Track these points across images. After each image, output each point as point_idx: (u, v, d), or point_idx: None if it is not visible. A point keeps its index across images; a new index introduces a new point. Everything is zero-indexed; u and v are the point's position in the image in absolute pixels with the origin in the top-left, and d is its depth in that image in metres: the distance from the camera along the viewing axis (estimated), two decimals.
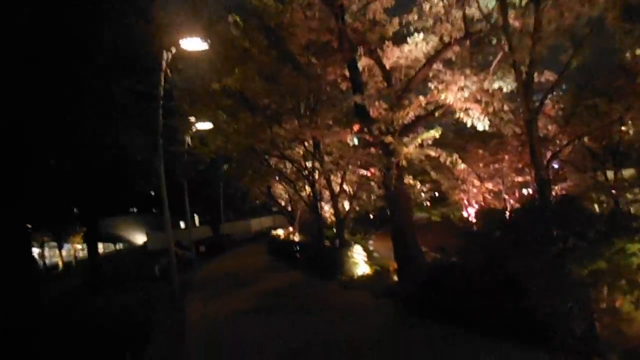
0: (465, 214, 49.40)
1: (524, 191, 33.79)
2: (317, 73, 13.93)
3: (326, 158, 15.13)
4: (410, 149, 10.32)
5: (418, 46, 13.44)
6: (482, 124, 10.44)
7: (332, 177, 16.05)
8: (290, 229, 34.19)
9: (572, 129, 10.23)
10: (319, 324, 8.19)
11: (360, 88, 12.02)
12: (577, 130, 9.19)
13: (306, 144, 16.58)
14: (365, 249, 13.44)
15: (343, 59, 12.56)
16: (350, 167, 12.94)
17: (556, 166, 27.79)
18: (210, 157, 17.87)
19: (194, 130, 21.33)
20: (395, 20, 13.21)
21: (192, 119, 16.17)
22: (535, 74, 8.63)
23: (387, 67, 14.07)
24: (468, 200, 48.64)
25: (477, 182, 41.58)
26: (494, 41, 11.40)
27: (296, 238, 27.69)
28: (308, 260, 15.27)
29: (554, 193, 28.31)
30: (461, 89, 9.85)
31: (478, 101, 9.91)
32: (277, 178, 29.25)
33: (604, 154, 23.61)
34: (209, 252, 31.00)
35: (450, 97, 9.78)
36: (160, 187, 14.36)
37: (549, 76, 10.19)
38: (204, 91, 14.08)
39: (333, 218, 31.24)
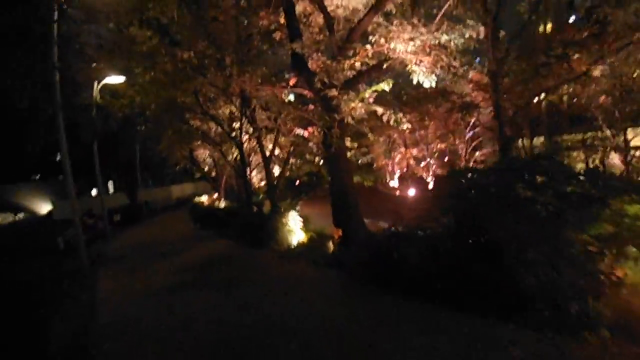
0: (390, 181, 50.54)
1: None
2: (247, 19, 12.30)
3: (258, 117, 13.70)
4: (356, 103, 9.31)
5: None
6: (429, 81, 9.66)
7: (263, 139, 14.71)
8: (215, 195, 32.39)
9: (536, 84, 9.69)
10: (258, 300, 7.10)
11: (298, 35, 10.69)
12: (542, 85, 8.70)
13: (234, 100, 14.95)
14: (302, 215, 12.42)
15: (278, 1, 11.08)
16: (285, 127, 11.70)
17: (470, 134, 28.88)
18: (123, 113, 15.47)
19: (101, 81, 18.77)
20: None
21: (101, 65, 13.76)
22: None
23: (320, 20, 12.87)
24: (392, 167, 49.71)
25: (402, 148, 42.34)
26: None
27: (222, 205, 26.11)
28: (238, 228, 13.98)
29: (472, 160, 29.52)
30: (411, 39, 8.97)
31: (428, 54, 9.10)
32: (200, 141, 27.20)
33: (522, 122, 24.83)
34: (125, 221, 28.33)
35: (400, 46, 8.84)
36: (60, 145, 12.10)
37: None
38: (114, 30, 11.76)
39: (260, 184, 29.95)
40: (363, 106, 9.42)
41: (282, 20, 12.67)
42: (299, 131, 11.93)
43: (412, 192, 39.98)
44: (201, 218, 21.22)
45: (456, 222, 4.94)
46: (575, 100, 10.86)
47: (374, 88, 9.87)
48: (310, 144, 12.68)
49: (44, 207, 43.67)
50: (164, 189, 46.01)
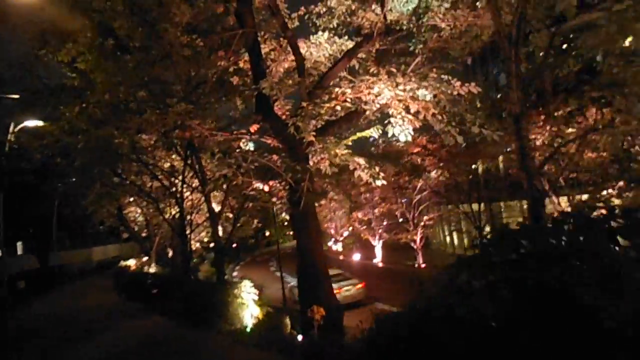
0: (332, 244, 48.67)
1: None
2: (202, 57, 10.85)
3: (207, 168, 11.88)
4: (341, 150, 7.90)
5: (322, 46, 11.53)
6: (405, 135, 8.54)
7: (212, 194, 12.82)
8: (145, 259, 28.83)
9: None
10: None
11: (264, 76, 9.34)
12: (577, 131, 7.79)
13: (178, 148, 13.10)
14: (256, 286, 10.38)
15: (243, 41, 9.78)
16: (242, 179, 10.04)
17: (418, 197, 28.67)
18: (42, 158, 12.98)
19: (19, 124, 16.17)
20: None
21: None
22: None
23: (287, 64, 11.82)
24: (335, 229, 48.06)
25: (345, 209, 41.13)
26: (420, 41, 9.96)
27: (152, 270, 22.96)
28: (176, 302, 11.49)
29: (421, 224, 28.97)
30: (398, 84, 7.92)
31: (417, 101, 8.06)
32: (131, 197, 24.34)
33: (469, 187, 24.88)
34: (32, 289, 23.86)
35: (388, 92, 7.72)
36: None
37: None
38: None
39: (197, 245, 27.04)
40: (345, 155, 8.02)
41: (241, 64, 11.40)
42: (257, 185, 10.25)
43: (357, 256, 38.73)
44: (128, 287, 18.12)
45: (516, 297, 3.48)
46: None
47: (359, 135, 8.58)
48: (274, 199, 10.96)
49: None
50: (83, 251, 40.85)
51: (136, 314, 12.94)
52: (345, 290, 15.47)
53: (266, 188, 10.04)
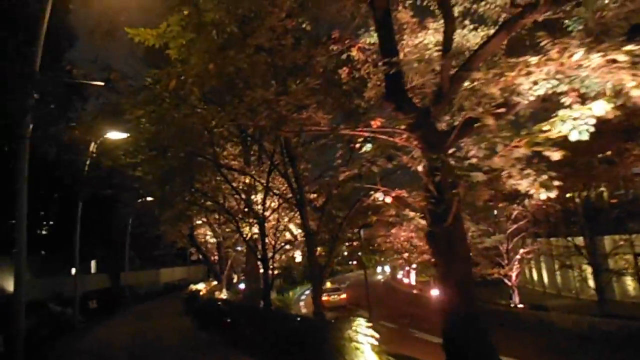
0: (404, 276, 44.93)
1: None
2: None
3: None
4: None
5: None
6: (581, 133, 5.90)
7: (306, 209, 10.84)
8: (214, 283, 27.39)
9: None
10: None
11: (396, 53, 7.27)
12: None
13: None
14: (374, 327, 7.99)
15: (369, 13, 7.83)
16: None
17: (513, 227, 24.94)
18: (123, 167, 11.84)
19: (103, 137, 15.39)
20: None
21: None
22: None
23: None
24: (408, 257, 44.33)
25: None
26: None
27: (222, 295, 21.28)
28: (266, 339, 9.35)
29: (517, 258, 25.01)
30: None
31: None
32: (202, 219, 23.16)
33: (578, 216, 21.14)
34: (103, 309, 23.01)
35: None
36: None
37: None
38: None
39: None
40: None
41: (353, 52, 9.46)
42: (378, 195, 8.01)
43: (435, 292, 34.80)
44: (200, 314, 16.42)
45: None
46: None
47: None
48: (412, 214, 8.59)
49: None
50: (151, 272, 40.54)
51: (214, 347, 10.98)
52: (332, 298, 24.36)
53: (388, 199, 7.78)
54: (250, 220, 14.31)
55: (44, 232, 29.05)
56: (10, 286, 31.66)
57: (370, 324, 7.82)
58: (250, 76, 8.17)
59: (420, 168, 6.90)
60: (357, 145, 7.79)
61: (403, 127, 7.07)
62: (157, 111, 8.01)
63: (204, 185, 14.41)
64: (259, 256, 14.06)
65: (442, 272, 6.96)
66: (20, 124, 8.48)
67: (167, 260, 44.98)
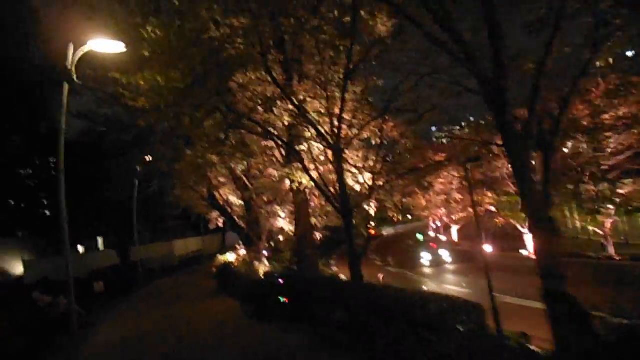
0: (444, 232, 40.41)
1: None
2: None
3: None
4: None
5: None
6: None
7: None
8: (242, 252, 22.75)
9: None
10: None
11: None
12: None
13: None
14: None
15: None
16: None
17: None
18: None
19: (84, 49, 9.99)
20: None
21: None
22: None
23: None
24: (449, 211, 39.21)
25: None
26: None
27: (263, 269, 16.69)
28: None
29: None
30: None
31: None
32: (221, 179, 18.37)
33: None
34: (112, 292, 18.28)
35: None
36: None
37: None
38: None
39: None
40: None
41: None
42: None
43: (488, 248, 29.95)
44: (251, 295, 11.63)
45: None
46: None
47: None
48: None
49: (18, 268, 32.74)
50: (164, 244, 35.49)
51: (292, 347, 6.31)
52: None
53: None
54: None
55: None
56: (12, 268, 26.66)
57: None
58: None
59: None
60: None
61: None
62: None
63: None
64: (336, 205, 9.35)
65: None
66: None
67: (178, 231, 40.42)
